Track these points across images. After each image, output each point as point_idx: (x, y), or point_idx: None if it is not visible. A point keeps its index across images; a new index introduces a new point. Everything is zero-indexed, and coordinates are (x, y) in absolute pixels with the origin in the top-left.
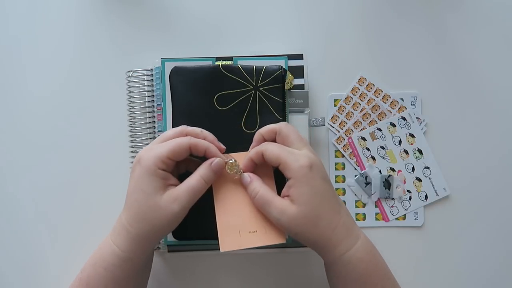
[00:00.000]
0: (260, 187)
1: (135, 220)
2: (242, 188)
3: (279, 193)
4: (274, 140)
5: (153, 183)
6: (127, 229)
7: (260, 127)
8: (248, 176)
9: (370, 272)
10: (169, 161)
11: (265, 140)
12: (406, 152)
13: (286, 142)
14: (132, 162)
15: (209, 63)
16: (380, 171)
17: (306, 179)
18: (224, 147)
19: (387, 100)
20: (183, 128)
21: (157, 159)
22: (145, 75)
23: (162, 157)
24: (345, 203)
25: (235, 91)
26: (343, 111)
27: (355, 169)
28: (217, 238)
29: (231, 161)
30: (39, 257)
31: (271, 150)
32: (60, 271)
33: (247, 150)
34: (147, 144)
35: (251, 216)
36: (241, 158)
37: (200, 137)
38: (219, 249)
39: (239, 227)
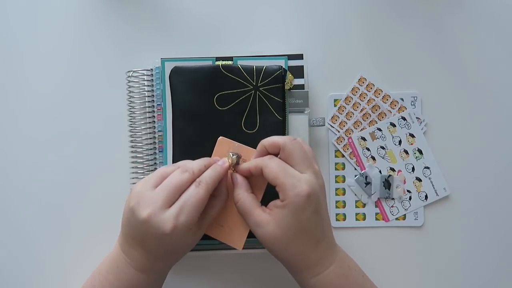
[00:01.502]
0: (243, 194)
1: (174, 258)
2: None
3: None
4: (277, 154)
5: (192, 235)
6: (155, 265)
7: (260, 127)
8: (236, 178)
9: None
10: None
11: (268, 153)
12: (406, 152)
13: (289, 160)
14: (132, 162)
15: (209, 63)
16: (380, 171)
17: (296, 209)
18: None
19: (387, 100)
20: (192, 174)
21: (190, 226)
22: (145, 75)
23: (194, 222)
24: (345, 203)
25: (235, 91)
26: (343, 111)
27: (355, 169)
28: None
29: (233, 156)
30: (41, 256)
31: (271, 168)
32: (60, 269)
33: None
34: (147, 145)
35: (226, 212)
36: (247, 153)
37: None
38: (218, 249)
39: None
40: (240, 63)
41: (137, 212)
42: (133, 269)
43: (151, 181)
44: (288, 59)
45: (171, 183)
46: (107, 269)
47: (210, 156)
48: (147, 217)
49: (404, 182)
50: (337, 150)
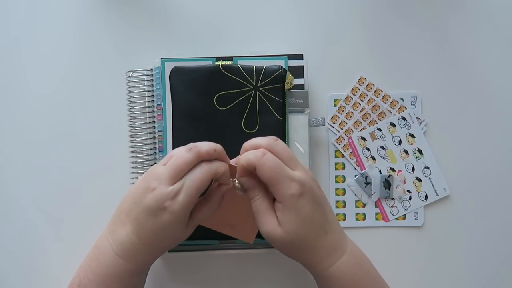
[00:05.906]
0: (260, 195)
1: (157, 250)
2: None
3: None
4: None
5: (182, 227)
6: (136, 251)
7: (260, 127)
8: (249, 181)
9: (355, 285)
10: None
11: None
12: (406, 152)
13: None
14: (132, 162)
15: (209, 63)
16: (380, 171)
17: (296, 207)
18: (229, 161)
19: (387, 100)
20: (196, 153)
21: (187, 208)
22: (145, 75)
23: (191, 204)
24: (345, 203)
25: (235, 91)
26: (343, 111)
27: (355, 169)
28: (217, 239)
29: (238, 186)
30: (40, 256)
31: (265, 168)
32: (62, 270)
33: None
34: (147, 145)
35: (236, 213)
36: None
37: (214, 158)
38: (219, 249)
39: (224, 220)
40: (240, 63)
41: (145, 183)
42: (113, 253)
43: (162, 160)
44: (288, 59)
45: (175, 161)
46: (90, 256)
47: None
48: (153, 187)
49: (404, 182)
50: (337, 150)
